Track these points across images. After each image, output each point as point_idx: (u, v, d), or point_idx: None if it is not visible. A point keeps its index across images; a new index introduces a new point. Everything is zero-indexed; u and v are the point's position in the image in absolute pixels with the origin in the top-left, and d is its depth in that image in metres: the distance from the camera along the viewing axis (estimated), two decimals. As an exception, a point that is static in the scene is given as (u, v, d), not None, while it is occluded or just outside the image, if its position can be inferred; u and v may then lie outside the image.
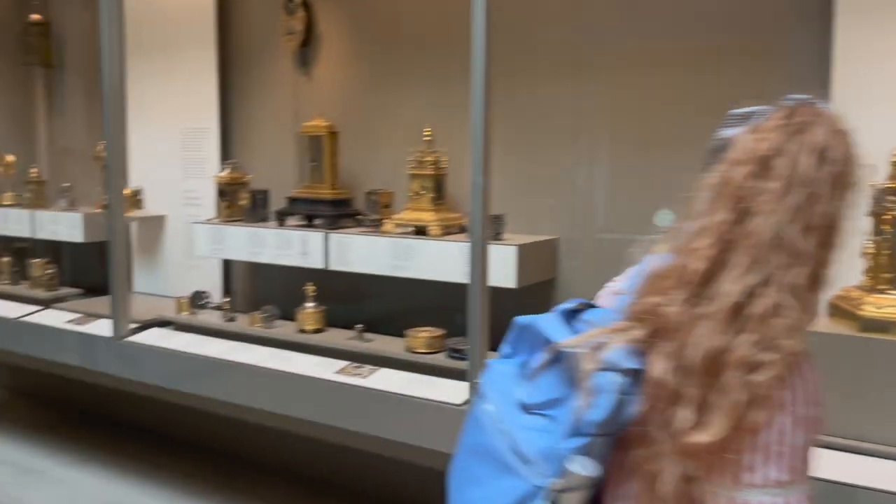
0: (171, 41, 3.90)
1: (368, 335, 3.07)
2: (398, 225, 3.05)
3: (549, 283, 3.01)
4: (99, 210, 4.07)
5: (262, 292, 3.80)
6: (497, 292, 2.53)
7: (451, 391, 2.54)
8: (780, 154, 0.90)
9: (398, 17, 3.33)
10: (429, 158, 3.01)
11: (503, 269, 2.67)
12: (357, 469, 3.38)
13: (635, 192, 2.83)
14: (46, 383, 4.50)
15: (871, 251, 2.05)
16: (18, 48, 4.59)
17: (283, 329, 3.23)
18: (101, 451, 3.88)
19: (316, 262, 3.15)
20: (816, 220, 0.87)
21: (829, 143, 0.89)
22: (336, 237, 3.10)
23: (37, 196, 4.32)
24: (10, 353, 4.03)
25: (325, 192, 3.26)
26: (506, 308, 2.74)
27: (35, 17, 4.51)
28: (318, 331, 3.15)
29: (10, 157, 4.44)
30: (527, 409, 0.96)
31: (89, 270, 4.47)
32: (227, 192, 3.50)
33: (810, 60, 2.45)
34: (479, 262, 2.36)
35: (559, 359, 0.98)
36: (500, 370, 1.05)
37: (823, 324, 2.06)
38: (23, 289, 4.13)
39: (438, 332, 2.88)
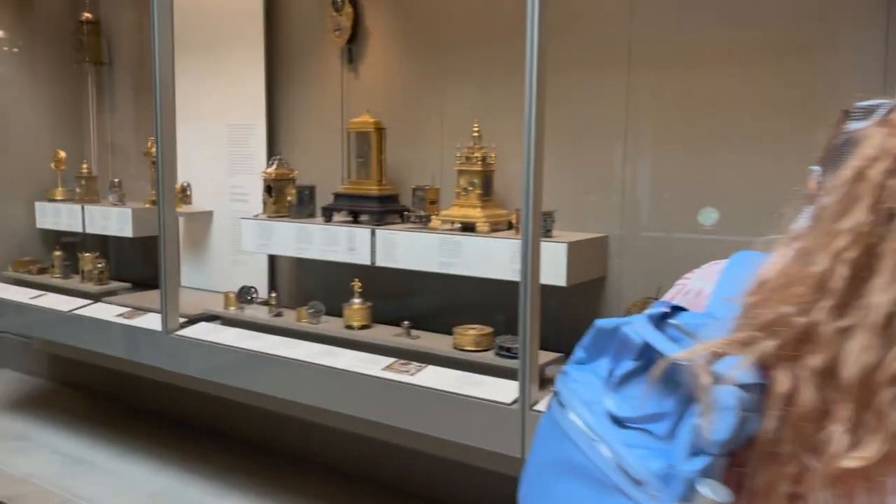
0: (219, 38, 3.93)
1: (415, 332, 3.05)
2: (445, 221, 3.03)
3: (599, 282, 2.96)
4: (147, 205, 4.13)
5: (306, 288, 3.81)
6: (546, 290, 2.49)
7: (501, 390, 2.50)
8: None
9: (445, 12, 3.31)
10: (477, 154, 2.98)
11: (553, 266, 2.63)
12: (402, 467, 3.37)
13: (685, 190, 2.77)
14: (96, 376, 4.58)
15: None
16: (71, 46, 4.68)
17: (329, 325, 3.23)
18: (147, 444, 3.93)
19: (363, 259, 3.15)
20: None
21: None
22: (383, 233, 3.09)
23: (87, 191, 4.39)
24: (61, 345, 4.11)
25: (372, 189, 3.25)
26: (555, 307, 2.72)
27: (87, 15, 4.59)
28: (364, 327, 3.15)
29: (62, 153, 4.52)
30: (620, 422, 0.89)
31: (135, 264, 4.54)
32: (273, 188, 3.51)
33: (869, 55, 2.37)
34: (531, 260, 2.32)
35: (648, 368, 0.92)
36: (581, 377, 0.97)
37: None
38: (73, 283, 4.20)
39: (487, 329, 2.85)
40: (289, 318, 3.34)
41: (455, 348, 2.85)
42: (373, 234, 3.11)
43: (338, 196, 3.37)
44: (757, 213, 2.63)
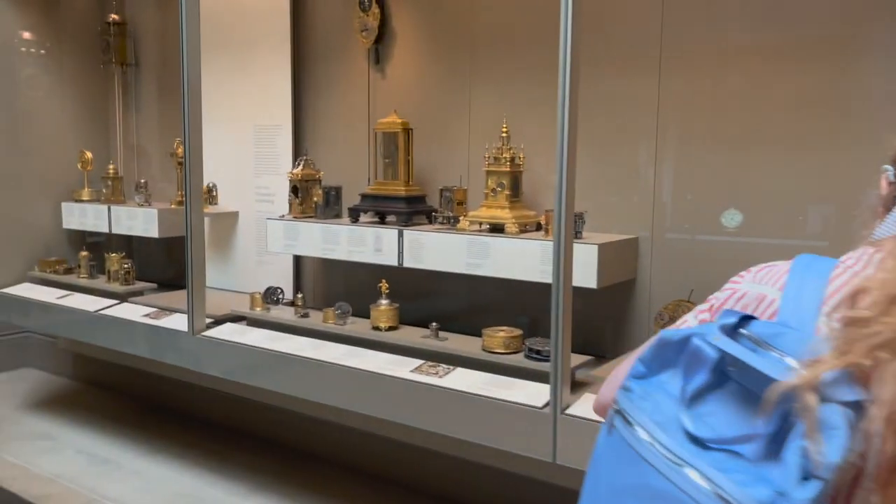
0: (246, 39, 3.93)
1: (443, 334, 3.03)
2: (473, 222, 3.01)
3: (629, 284, 2.92)
4: (173, 206, 4.14)
5: (331, 289, 3.80)
6: (576, 292, 2.45)
7: (532, 393, 2.47)
8: None
9: (472, 13, 3.29)
10: (505, 155, 2.95)
11: (583, 268, 2.60)
12: (428, 469, 3.35)
13: (716, 192, 2.72)
14: (121, 375, 4.60)
15: None
16: (98, 48, 4.70)
17: (356, 326, 3.21)
18: (173, 444, 3.94)
19: (390, 260, 3.13)
20: None
21: None
22: (410, 234, 3.07)
23: (113, 192, 4.42)
24: (87, 345, 4.13)
25: (399, 189, 3.23)
26: (585, 309, 2.68)
27: (114, 16, 4.61)
28: (391, 328, 3.13)
29: (89, 154, 4.55)
30: (700, 443, 0.81)
31: (160, 265, 4.56)
32: (299, 189, 3.50)
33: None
34: (563, 262, 2.29)
35: (722, 383, 0.85)
36: (646, 393, 0.89)
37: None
38: (100, 283, 4.22)
39: (516, 331, 2.82)
40: (315, 319, 3.33)
41: (484, 350, 2.82)
42: (400, 234, 3.09)
43: (364, 197, 3.35)
44: (789, 215, 2.60)
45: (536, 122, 3.07)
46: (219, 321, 3.41)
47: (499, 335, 2.80)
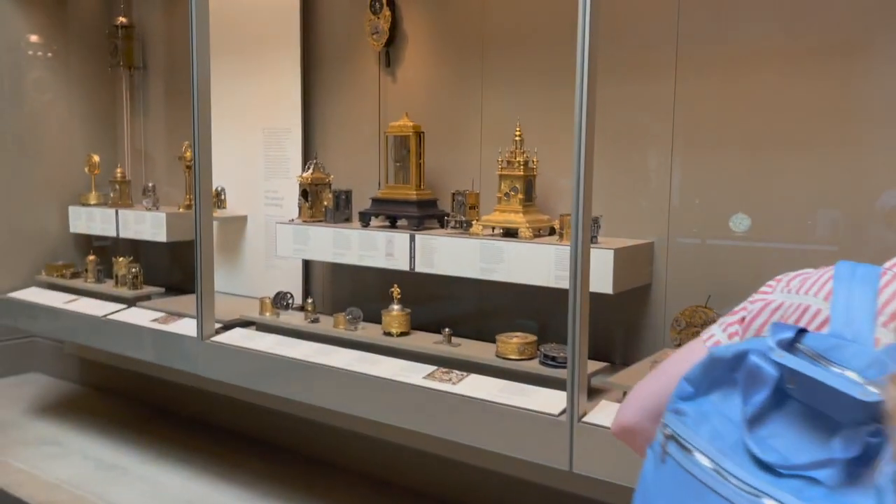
0: (255, 42, 3.91)
1: (455, 339, 2.99)
2: (486, 227, 2.97)
3: (644, 289, 2.88)
4: (181, 210, 4.12)
5: (341, 294, 3.77)
6: (591, 298, 2.42)
7: (548, 400, 2.43)
8: None
9: (483, 16, 3.26)
10: (519, 158, 2.92)
11: (599, 273, 2.55)
12: (440, 476, 3.31)
13: (732, 196, 2.69)
14: (128, 380, 4.57)
15: None
16: (106, 51, 4.68)
17: (367, 331, 3.18)
18: (181, 450, 3.91)
19: (401, 265, 3.10)
20: None
21: None
22: (422, 239, 3.04)
23: (121, 195, 4.39)
24: (94, 349, 4.10)
25: (411, 193, 3.20)
26: (600, 314, 2.65)
27: (122, 19, 4.59)
28: (403, 334, 3.09)
29: (96, 157, 4.52)
30: (772, 470, 0.75)
31: (167, 269, 4.53)
32: (309, 192, 3.47)
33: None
34: (581, 267, 2.26)
35: (782, 403, 0.81)
36: (701, 416, 0.83)
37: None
38: (107, 287, 4.19)
39: (531, 337, 2.79)
40: (325, 325, 3.29)
41: (498, 356, 2.78)
42: (412, 239, 3.05)
43: (375, 201, 3.32)
44: (807, 220, 2.56)
45: (548, 126, 3.04)
46: (228, 326, 3.38)
47: (513, 341, 2.76)
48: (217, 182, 4.03)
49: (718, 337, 1.01)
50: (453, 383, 2.65)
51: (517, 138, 2.93)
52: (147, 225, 4.09)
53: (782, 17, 2.57)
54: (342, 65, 3.71)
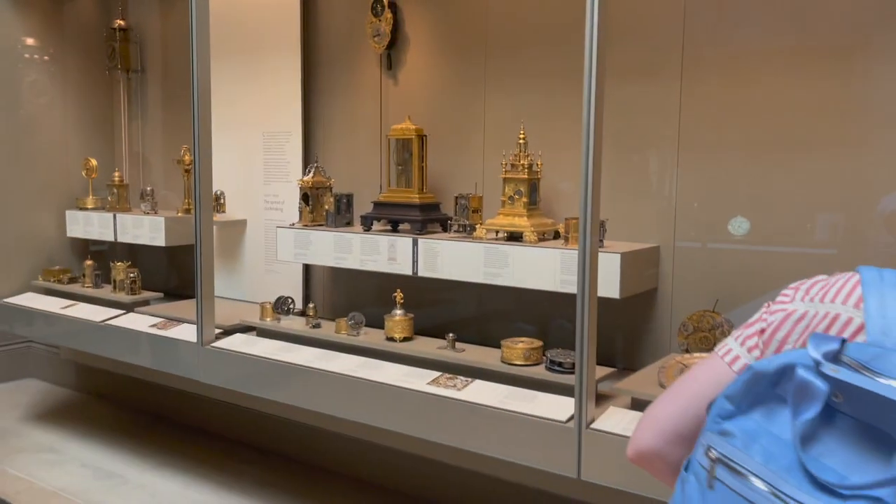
0: (255, 44, 3.87)
1: (459, 345, 2.96)
2: (490, 230, 2.94)
3: (650, 294, 2.86)
4: (180, 214, 4.08)
5: (342, 298, 3.74)
6: (598, 302, 2.39)
7: (555, 406, 2.40)
8: None
9: (486, 18, 3.23)
10: (523, 162, 2.89)
11: (606, 278, 2.52)
12: (444, 484, 3.28)
13: (738, 200, 2.66)
14: (126, 387, 4.53)
15: None
16: (103, 54, 4.65)
17: (370, 337, 3.14)
18: (181, 457, 3.86)
19: (404, 269, 3.06)
20: None
21: None
22: (425, 243, 3.00)
23: (119, 200, 4.35)
24: (91, 355, 4.05)
25: (413, 197, 3.17)
26: (605, 319, 2.61)
27: (119, 22, 4.56)
28: (406, 339, 3.05)
29: (93, 161, 4.48)
30: (831, 490, 0.72)
31: (165, 274, 4.49)
32: (310, 196, 3.44)
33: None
34: (589, 272, 2.23)
35: (832, 418, 0.74)
36: (752, 435, 0.79)
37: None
38: (105, 292, 4.15)
39: (536, 342, 2.75)
40: (327, 330, 3.26)
41: (503, 362, 2.75)
42: (415, 243, 3.02)
43: (377, 204, 3.28)
44: (814, 224, 2.54)
45: (550, 129, 3.01)
46: (228, 332, 3.34)
47: (518, 346, 2.73)
48: (216, 186, 4.00)
49: (737, 352, 0.98)
50: (458, 389, 2.61)
51: (521, 141, 2.90)
52: (145, 229, 4.05)
53: (788, 20, 2.54)
54: (343, 67, 3.68)
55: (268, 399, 3.10)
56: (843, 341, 0.78)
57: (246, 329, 3.42)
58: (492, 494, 3.12)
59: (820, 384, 0.75)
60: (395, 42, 3.46)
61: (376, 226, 3.28)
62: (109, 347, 3.69)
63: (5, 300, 4.25)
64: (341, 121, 3.71)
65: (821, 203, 2.53)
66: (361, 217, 3.30)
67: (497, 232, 2.94)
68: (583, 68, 2.18)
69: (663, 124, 2.79)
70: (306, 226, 3.41)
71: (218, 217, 3.94)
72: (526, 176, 2.89)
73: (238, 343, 3.22)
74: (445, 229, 3.18)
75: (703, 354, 2.51)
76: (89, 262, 4.29)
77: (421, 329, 3.14)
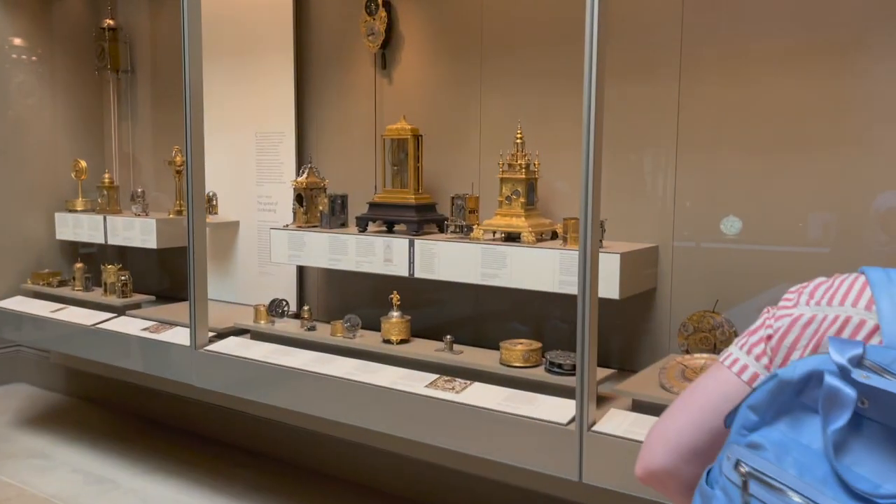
0: (247, 44, 3.83)
1: (457, 347, 2.93)
2: (487, 231, 2.91)
3: (649, 294, 2.83)
4: (171, 216, 4.03)
5: (336, 301, 3.70)
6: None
7: (555, 409, 2.37)
8: None
9: (481, 17, 3.20)
10: (520, 161, 2.86)
11: (605, 278, 2.49)
12: (443, 487, 3.24)
13: (738, 199, 2.65)
14: (117, 391, 4.47)
15: None
16: (93, 54, 4.59)
17: (366, 339, 3.10)
18: (173, 462, 3.81)
19: (400, 270, 3.03)
20: None
21: None
22: (422, 244, 2.97)
23: (109, 201, 4.29)
24: (81, 359, 4.00)
25: (409, 198, 3.14)
26: (605, 320, 2.59)
27: (109, 22, 4.50)
28: (403, 341, 3.02)
29: (83, 163, 4.42)
30: (864, 499, 0.70)
31: (157, 276, 4.44)
32: (304, 197, 3.40)
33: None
34: (590, 272, 2.20)
35: (860, 425, 0.72)
36: (784, 448, 0.76)
37: None
38: (95, 295, 4.09)
39: (536, 344, 2.72)
40: (322, 333, 3.22)
41: (502, 364, 2.72)
42: (411, 244, 2.99)
43: (372, 205, 3.25)
44: (813, 223, 2.52)
45: (547, 128, 2.99)
46: (221, 335, 3.30)
47: (517, 348, 2.70)
48: (208, 187, 3.95)
49: (744, 361, 0.95)
50: (456, 392, 2.58)
51: (518, 141, 2.88)
52: (136, 231, 3.99)
53: (788, 19, 2.53)
54: (337, 67, 3.64)
55: (263, 403, 3.06)
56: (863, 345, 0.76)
57: (240, 332, 3.38)
58: (491, 498, 3.09)
59: (849, 391, 0.73)
60: (389, 41, 3.43)
61: (371, 227, 3.25)
62: (101, 352, 3.64)
63: (-6, 304, 4.19)
64: (335, 121, 3.68)
65: (821, 202, 2.52)
66: (356, 218, 3.27)
67: (494, 232, 2.91)
68: (579, 67, 2.16)
69: (662, 124, 2.77)
70: (300, 227, 3.37)
71: (210, 218, 3.89)
72: (523, 176, 2.86)
73: (232, 346, 3.18)
74: (442, 230, 3.15)
75: (704, 355, 2.49)
76: (79, 265, 4.23)
77: (418, 331, 3.11)
